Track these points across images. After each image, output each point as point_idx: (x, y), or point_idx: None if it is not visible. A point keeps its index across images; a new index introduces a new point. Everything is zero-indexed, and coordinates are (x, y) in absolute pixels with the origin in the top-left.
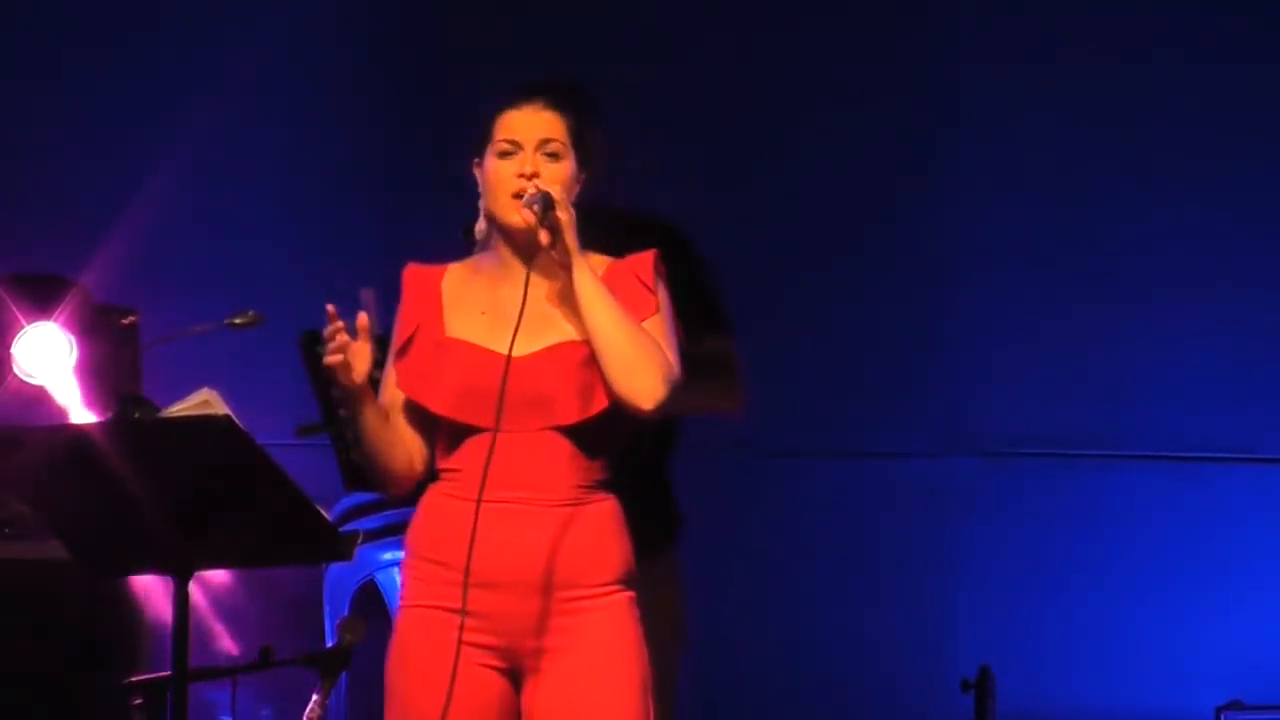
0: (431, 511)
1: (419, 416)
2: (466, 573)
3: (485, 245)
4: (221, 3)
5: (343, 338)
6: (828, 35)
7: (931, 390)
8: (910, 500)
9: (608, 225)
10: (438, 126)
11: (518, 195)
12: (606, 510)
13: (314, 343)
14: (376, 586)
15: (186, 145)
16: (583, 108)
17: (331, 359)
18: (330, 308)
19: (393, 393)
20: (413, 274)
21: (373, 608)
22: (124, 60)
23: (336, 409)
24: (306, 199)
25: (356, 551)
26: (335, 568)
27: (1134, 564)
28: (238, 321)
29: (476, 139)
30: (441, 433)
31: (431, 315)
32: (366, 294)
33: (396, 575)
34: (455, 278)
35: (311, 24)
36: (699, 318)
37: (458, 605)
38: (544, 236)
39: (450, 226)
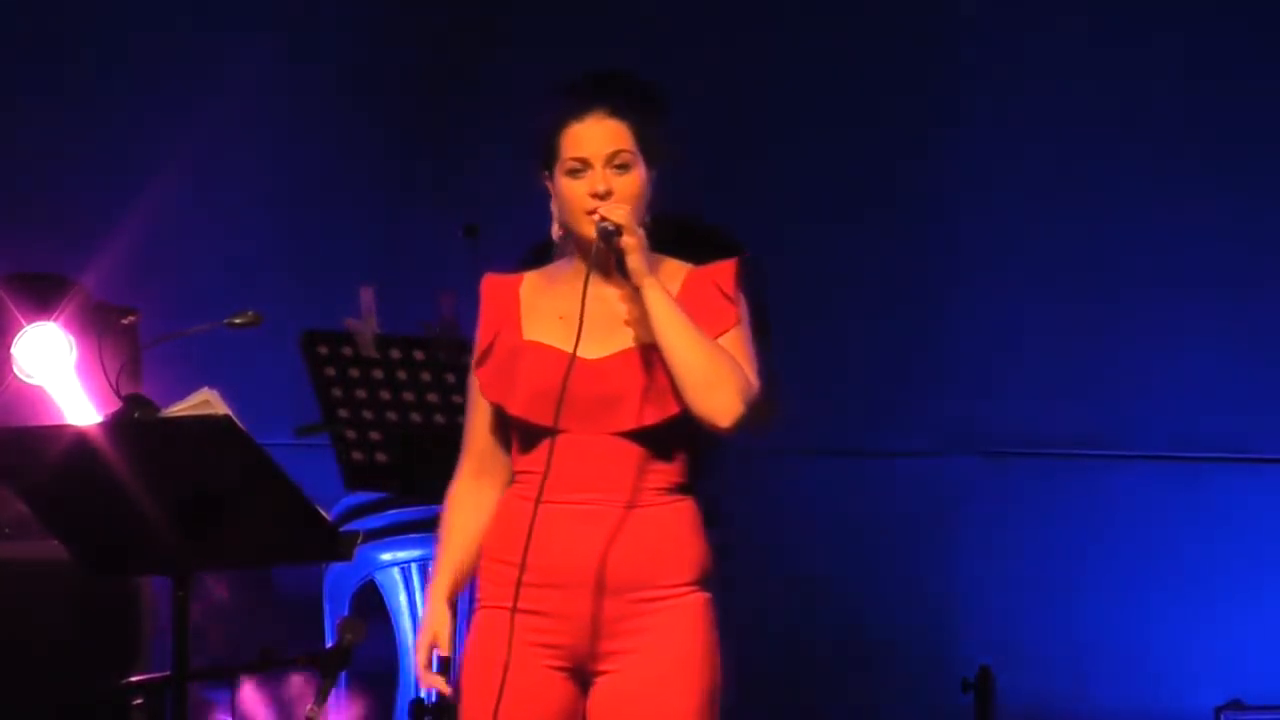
0: (504, 513)
1: (506, 431)
2: (522, 569)
3: (563, 251)
4: (222, 4)
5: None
6: (830, 34)
7: (931, 390)
8: (910, 500)
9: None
10: (437, 127)
11: (592, 212)
12: (681, 511)
13: (314, 343)
14: (376, 586)
15: (186, 145)
16: (645, 104)
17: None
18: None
19: (482, 407)
20: (490, 284)
21: (373, 608)
22: (124, 60)
23: (336, 409)
24: (307, 199)
25: (356, 551)
26: (335, 568)
27: (1134, 564)
28: (238, 321)
29: (542, 150)
30: (516, 435)
31: (510, 322)
32: (366, 293)
33: (397, 575)
34: (532, 285)
35: (311, 25)
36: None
37: (525, 605)
38: (613, 263)
39: (449, 226)
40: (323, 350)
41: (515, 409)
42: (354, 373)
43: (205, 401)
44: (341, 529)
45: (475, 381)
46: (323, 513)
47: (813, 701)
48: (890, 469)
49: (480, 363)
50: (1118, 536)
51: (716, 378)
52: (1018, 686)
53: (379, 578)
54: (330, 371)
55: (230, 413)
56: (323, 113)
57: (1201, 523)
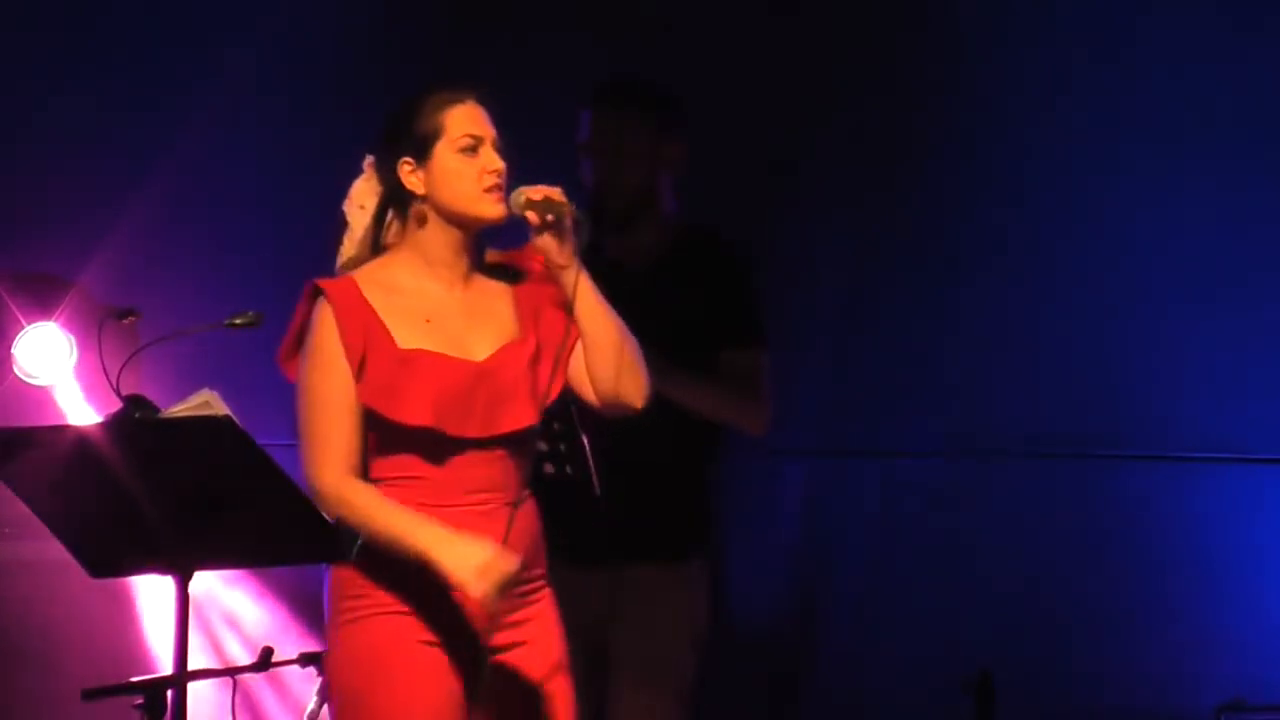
0: None
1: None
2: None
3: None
4: (221, 2)
5: None
6: (833, 33)
7: (932, 390)
8: (910, 500)
9: (658, 231)
10: None
11: (489, 190)
12: (533, 506)
13: None
14: None
15: (186, 145)
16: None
17: None
18: None
19: (351, 411)
20: (337, 292)
21: None
22: (124, 60)
23: None
24: (307, 199)
25: (356, 552)
26: None
27: (1134, 564)
28: (238, 321)
29: (401, 140)
30: (400, 441)
31: (375, 331)
32: None
33: None
34: (377, 288)
35: (312, 23)
36: (733, 327)
37: (425, 606)
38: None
39: None
40: None
41: (416, 419)
42: None
43: (205, 402)
44: (342, 529)
45: (348, 389)
46: (323, 513)
47: (812, 702)
48: (890, 469)
49: (359, 374)
50: (1117, 537)
51: (634, 360)
52: (1018, 687)
53: None
54: None
55: (230, 413)
56: (322, 112)
57: (1201, 523)
